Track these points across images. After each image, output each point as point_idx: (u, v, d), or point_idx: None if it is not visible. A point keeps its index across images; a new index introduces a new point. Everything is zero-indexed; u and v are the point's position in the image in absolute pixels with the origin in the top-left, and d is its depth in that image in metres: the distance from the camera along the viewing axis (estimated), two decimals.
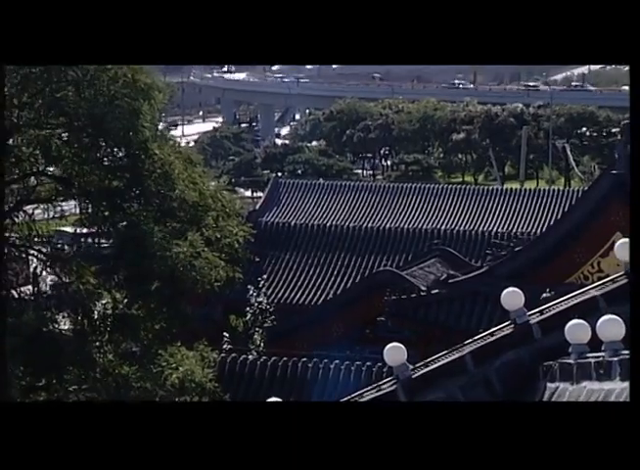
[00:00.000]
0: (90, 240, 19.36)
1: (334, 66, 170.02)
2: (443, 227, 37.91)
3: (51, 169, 18.22)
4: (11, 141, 17.70)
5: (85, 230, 18.83)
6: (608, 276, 5.91)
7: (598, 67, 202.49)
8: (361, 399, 5.69)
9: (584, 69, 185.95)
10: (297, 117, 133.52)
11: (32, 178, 18.37)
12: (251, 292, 28.22)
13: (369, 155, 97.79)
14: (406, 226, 38.08)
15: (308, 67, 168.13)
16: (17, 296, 17.65)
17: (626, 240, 5.81)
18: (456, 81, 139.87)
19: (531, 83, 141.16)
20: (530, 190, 48.76)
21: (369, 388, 5.81)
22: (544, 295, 11.31)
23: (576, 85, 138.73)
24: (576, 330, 5.06)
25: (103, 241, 19.29)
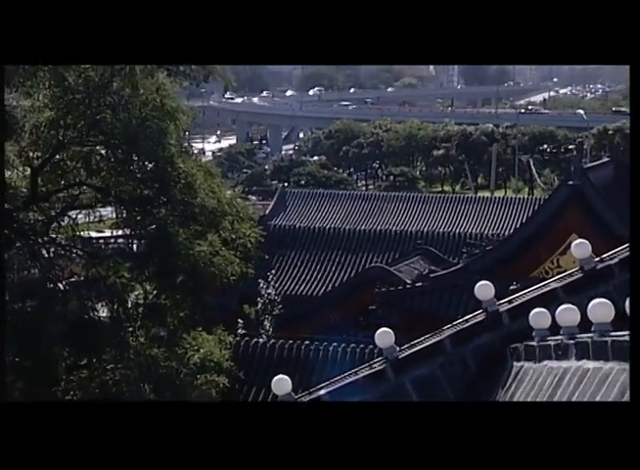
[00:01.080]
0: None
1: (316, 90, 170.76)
2: (425, 229, 37.93)
3: (91, 180, 18.23)
4: (57, 156, 17.74)
5: (121, 232, 18.84)
6: (565, 271, 5.92)
7: (558, 92, 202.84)
8: (356, 377, 5.67)
9: (545, 94, 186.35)
10: (301, 135, 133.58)
11: (75, 188, 18.39)
12: (261, 285, 28.19)
13: (362, 168, 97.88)
14: (394, 229, 38.10)
15: (310, 93, 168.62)
16: (63, 288, 17.65)
17: (581, 240, 5.81)
18: (530, 107, 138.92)
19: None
20: (499, 198, 48.82)
21: (362, 366, 5.81)
22: (511, 287, 11.28)
23: (532, 109, 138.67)
24: (539, 317, 5.07)
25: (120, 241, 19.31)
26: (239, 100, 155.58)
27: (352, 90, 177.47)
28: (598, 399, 3.79)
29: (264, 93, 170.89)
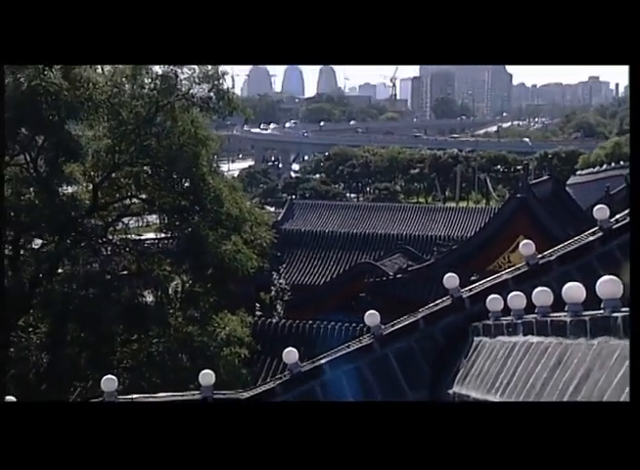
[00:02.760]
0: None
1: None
2: (405, 232, 37.90)
3: (140, 194, 18.24)
4: (114, 175, 17.77)
5: (163, 235, 18.85)
6: (514, 265, 5.91)
7: (508, 124, 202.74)
8: (349, 349, 5.65)
9: (498, 126, 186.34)
10: (306, 158, 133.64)
11: (127, 200, 18.40)
12: (274, 276, 28.20)
13: (354, 183, 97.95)
14: (379, 232, 38.08)
15: (287, 125, 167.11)
16: (117, 279, 17.67)
17: (527, 241, 5.79)
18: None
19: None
20: (463, 207, 48.85)
21: (354, 341, 5.80)
22: (472, 278, 11.28)
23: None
24: (493, 302, 5.06)
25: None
26: (267, 131, 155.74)
27: (322, 123, 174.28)
28: (539, 367, 3.77)
29: (274, 124, 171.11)
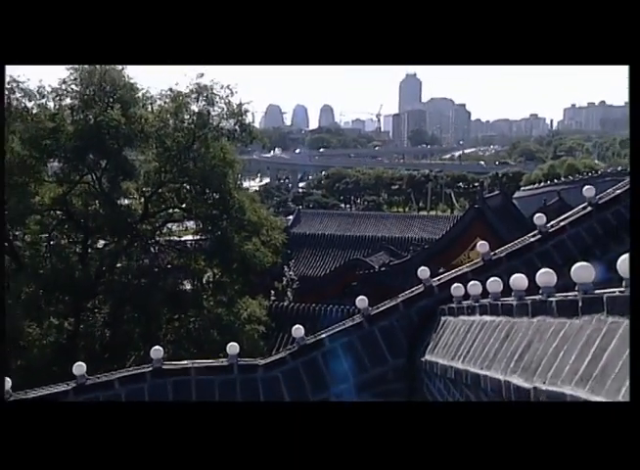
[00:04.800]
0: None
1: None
2: (388, 235, 37.87)
3: (180, 205, 18.25)
4: (160, 190, 17.78)
5: (198, 237, 18.86)
6: (473, 261, 5.90)
7: (469, 150, 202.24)
8: (343, 327, 5.63)
9: (459, 152, 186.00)
10: (310, 177, 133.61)
11: (171, 209, 18.42)
12: (285, 269, 28.17)
13: (348, 197, 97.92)
14: (367, 234, 38.06)
15: (272, 152, 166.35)
16: (163, 271, 17.66)
17: (483, 242, 5.77)
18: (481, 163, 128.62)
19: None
20: (433, 215, 48.77)
21: (348, 320, 5.79)
22: (440, 271, 11.27)
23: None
24: (456, 289, 5.05)
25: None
26: (279, 155, 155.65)
27: (322, 150, 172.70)
28: (491, 340, 3.76)
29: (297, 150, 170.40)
